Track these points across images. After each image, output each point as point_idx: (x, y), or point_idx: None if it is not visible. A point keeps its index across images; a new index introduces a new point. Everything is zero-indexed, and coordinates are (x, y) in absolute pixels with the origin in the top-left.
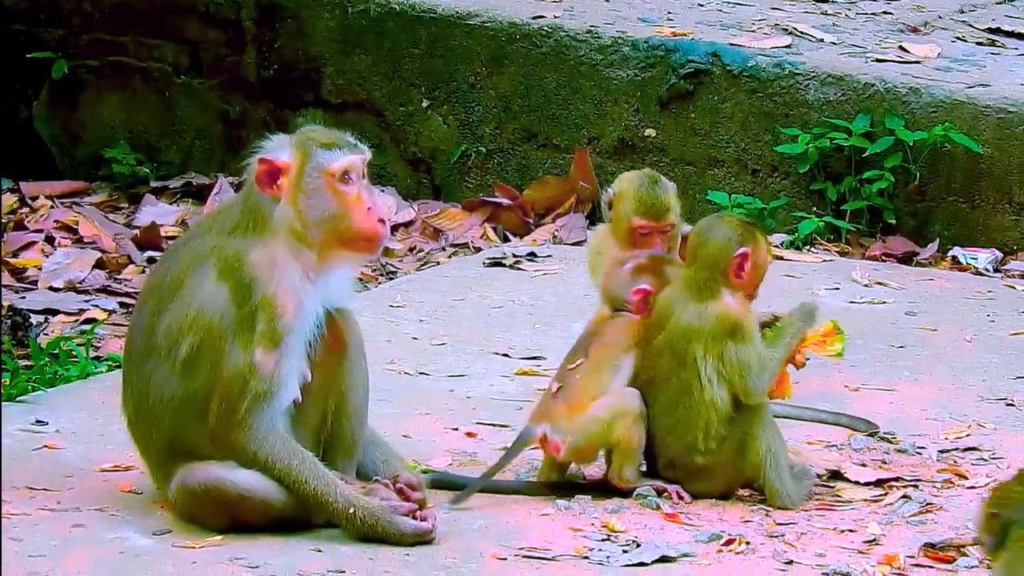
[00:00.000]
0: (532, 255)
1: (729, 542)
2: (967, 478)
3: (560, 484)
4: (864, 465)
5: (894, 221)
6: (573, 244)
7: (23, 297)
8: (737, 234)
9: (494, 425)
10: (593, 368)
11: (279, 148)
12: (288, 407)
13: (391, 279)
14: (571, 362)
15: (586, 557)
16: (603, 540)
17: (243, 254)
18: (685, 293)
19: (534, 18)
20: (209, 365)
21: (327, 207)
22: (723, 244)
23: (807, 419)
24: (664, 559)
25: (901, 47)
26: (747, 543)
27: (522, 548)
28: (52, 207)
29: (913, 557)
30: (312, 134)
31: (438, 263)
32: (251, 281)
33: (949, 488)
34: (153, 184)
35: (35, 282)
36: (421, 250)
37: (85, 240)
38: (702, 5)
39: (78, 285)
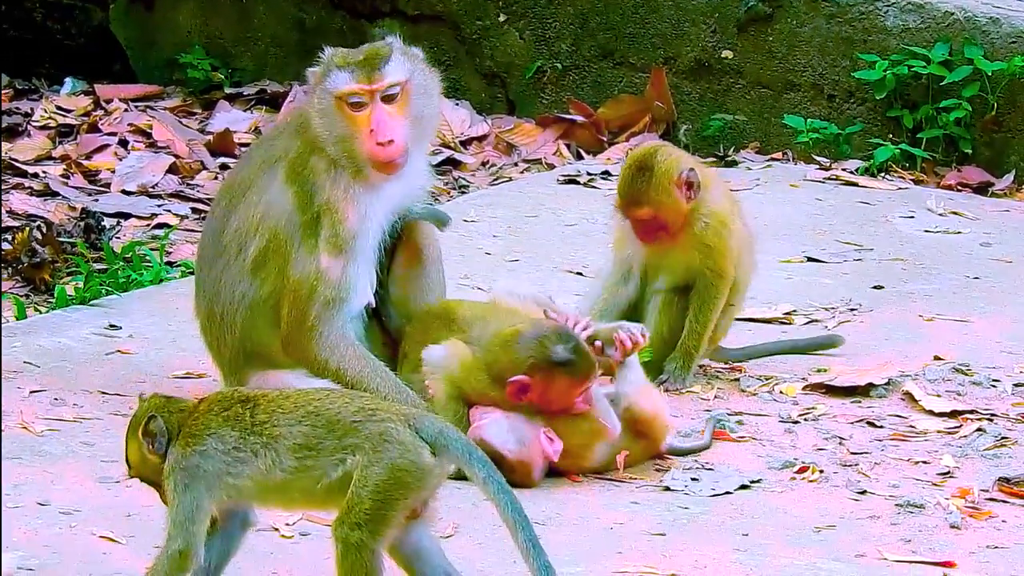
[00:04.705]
0: (606, 173)
1: (802, 470)
2: None
3: None
4: (938, 396)
5: (970, 151)
6: None
7: (96, 200)
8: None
9: None
10: None
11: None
12: (361, 315)
13: (463, 193)
14: None
15: (668, 488)
16: (673, 468)
17: (307, 159)
18: None
19: None
20: (276, 269)
21: (334, 128)
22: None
23: (765, 354)
24: (742, 487)
25: None
26: (820, 471)
27: (600, 476)
28: (126, 110)
29: (987, 491)
30: (337, 54)
31: (511, 179)
32: (313, 186)
33: None
34: (227, 90)
35: (108, 185)
36: (494, 165)
37: (159, 144)
38: None
39: (151, 189)
